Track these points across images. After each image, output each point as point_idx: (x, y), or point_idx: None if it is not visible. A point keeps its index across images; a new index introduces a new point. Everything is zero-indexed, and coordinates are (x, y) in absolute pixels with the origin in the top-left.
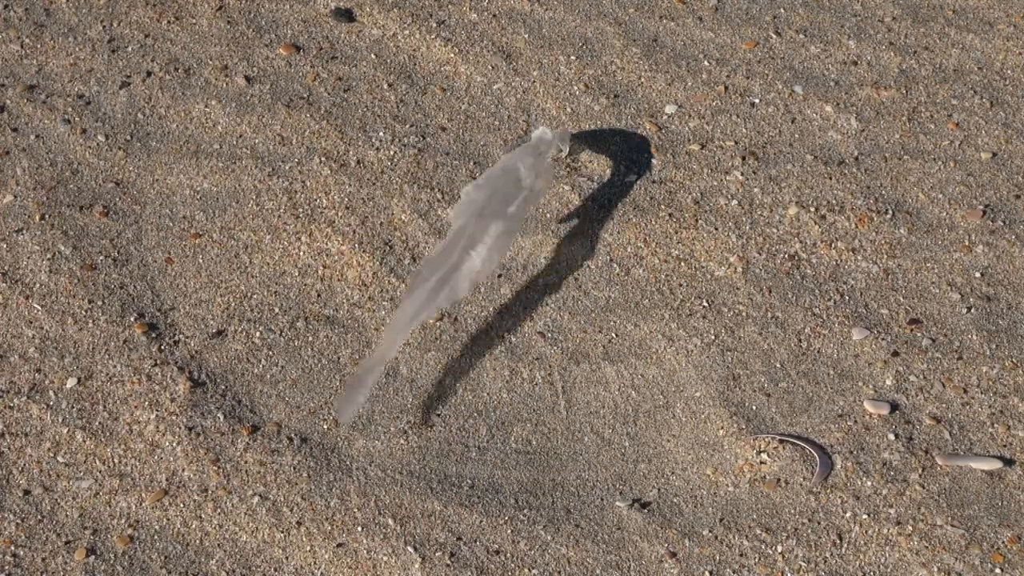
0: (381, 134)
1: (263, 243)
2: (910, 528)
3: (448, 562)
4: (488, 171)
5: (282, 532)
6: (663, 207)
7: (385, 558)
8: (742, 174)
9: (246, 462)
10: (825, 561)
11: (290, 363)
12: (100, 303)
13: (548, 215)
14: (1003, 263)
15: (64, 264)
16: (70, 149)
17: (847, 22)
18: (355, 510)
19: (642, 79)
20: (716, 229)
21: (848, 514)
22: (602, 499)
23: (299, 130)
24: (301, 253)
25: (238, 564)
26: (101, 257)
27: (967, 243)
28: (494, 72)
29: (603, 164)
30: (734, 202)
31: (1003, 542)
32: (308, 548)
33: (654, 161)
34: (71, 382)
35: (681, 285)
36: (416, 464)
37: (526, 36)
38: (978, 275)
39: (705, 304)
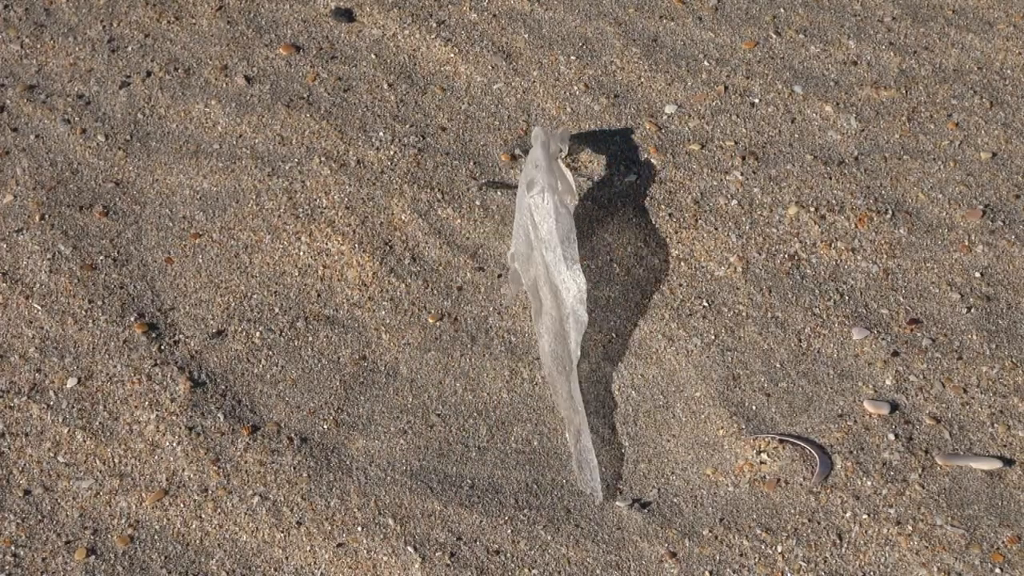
0: (381, 134)
1: (263, 243)
2: (910, 528)
3: (448, 562)
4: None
5: (282, 532)
6: (663, 207)
7: (385, 558)
8: (742, 174)
9: (246, 462)
10: (825, 561)
11: (290, 363)
12: (100, 303)
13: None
14: (1003, 263)
15: (64, 264)
16: (70, 149)
17: (847, 22)
18: (355, 510)
19: (642, 79)
20: (716, 229)
21: (848, 514)
22: (602, 499)
23: (299, 130)
24: (301, 253)
25: (238, 564)
26: (101, 257)
27: (967, 243)
28: (494, 72)
29: (603, 164)
30: (734, 202)
31: (1003, 542)
32: (308, 548)
33: (654, 161)
34: (71, 382)
35: (681, 285)
36: (416, 464)
37: (526, 36)
38: (978, 275)
39: (705, 304)
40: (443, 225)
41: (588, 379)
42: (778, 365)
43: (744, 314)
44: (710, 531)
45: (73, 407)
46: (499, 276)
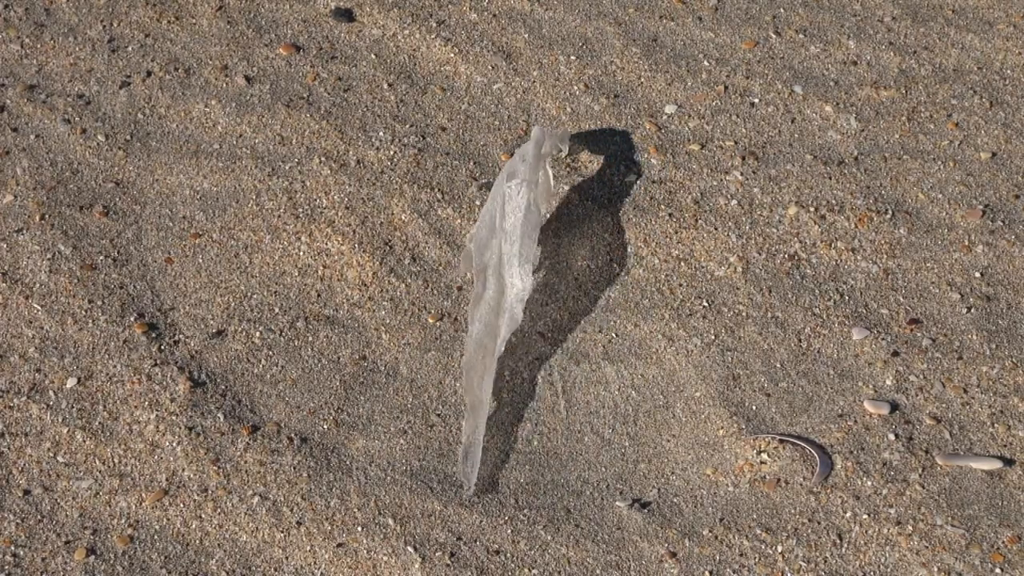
0: (381, 134)
1: (263, 243)
2: (910, 528)
3: (448, 562)
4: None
5: (282, 532)
6: (663, 207)
7: (385, 558)
8: (742, 174)
9: (246, 462)
10: (825, 561)
11: (290, 363)
12: (100, 303)
13: (548, 215)
14: (1003, 263)
15: (64, 264)
16: (70, 149)
17: (847, 22)
18: (355, 510)
19: (642, 79)
20: (716, 229)
21: (848, 514)
22: (602, 499)
23: (299, 130)
24: (301, 253)
25: (238, 564)
26: (101, 257)
27: (967, 243)
28: (494, 72)
29: (603, 164)
30: (734, 202)
31: (1003, 542)
32: (308, 548)
33: (654, 161)
34: (71, 382)
35: (681, 285)
36: (416, 464)
37: (526, 36)
38: (978, 275)
39: (705, 304)
40: (443, 225)
41: (588, 379)
42: (778, 365)
43: (744, 314)
44: (710, 531)
45: (73, 407)
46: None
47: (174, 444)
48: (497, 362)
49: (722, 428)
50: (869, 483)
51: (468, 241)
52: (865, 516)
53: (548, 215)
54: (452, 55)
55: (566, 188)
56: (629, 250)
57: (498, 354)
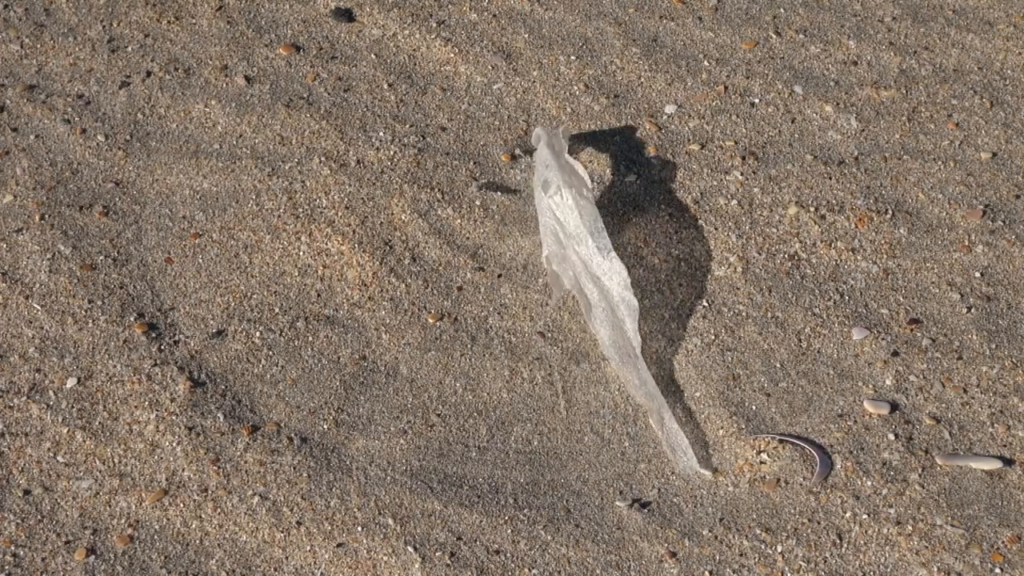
0: (381, 134)
1: (263, 243)
2: (910, 528)
3: (448, 562)
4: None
5: (282, 532)
6: (663, 207)
7: (385, 558)
8: (742, 174)
9: (246, 462)
10: (825, 561)
11: (290, 363)
12: (100, 303)
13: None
14: (1003, 263)
15: (64, 264)
16: (70, 149)
17: (847, 22)
18: (355, 510)
19: (642, 79)
20: (716, 229)
21: (848, 514)
22: (602, 499)
23: (299, 130)
24: (301, 253)
25: (238, 564)
26: (101, 257)
27: (967, 243)
28: (494, 72)
29: (603, 164)
30: (734, 202)
31: (1003, 542)
32: (308, 548)
33: (654, 161)
34: (71, 382)
35: (681, 285)
36: (416, 464)
37: (526, 36)
38: (978, 275)
39: (705, 304)
40: (443, 225)
41: (588, 379)
42: (778, 365)
43: (744, 314)
44: (710, 531)
45: (73, 407)
46: (499, 276)
47: (174, 444)
48: (642, 354)
49: (722, 428)
50: (869, 483)
51: (546, 264)
52: (865, 516)
53: (597, 197)
54: (452, 55)
55: None
56: (629, 250)
57: (638, 346)
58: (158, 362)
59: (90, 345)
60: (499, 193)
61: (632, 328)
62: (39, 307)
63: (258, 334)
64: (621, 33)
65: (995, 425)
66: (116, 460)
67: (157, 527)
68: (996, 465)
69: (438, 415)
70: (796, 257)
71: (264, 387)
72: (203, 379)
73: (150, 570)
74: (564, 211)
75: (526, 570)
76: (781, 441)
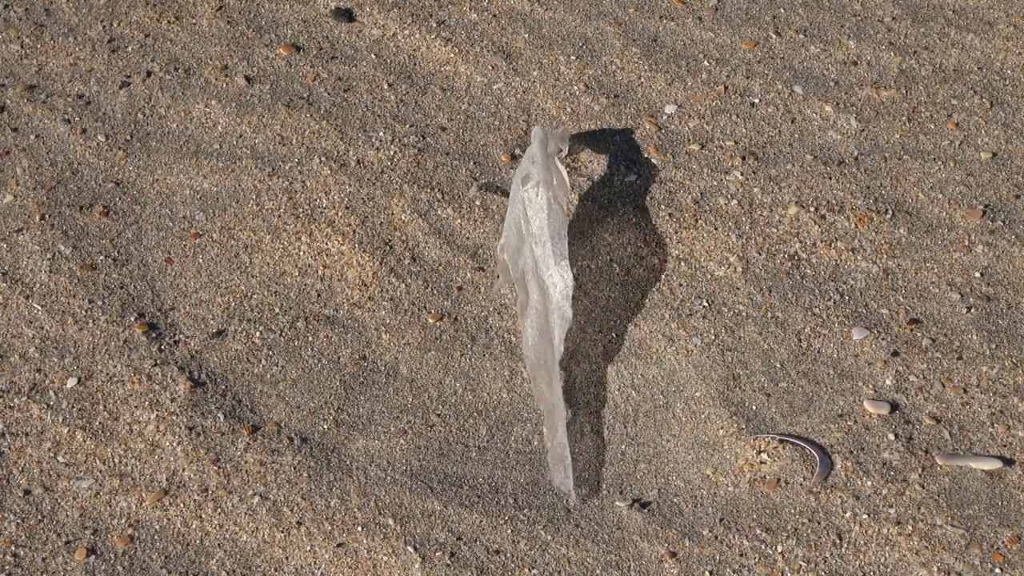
0: (381, 134)
1: (263, 243)
2: (910, 528)
3: (448, 562)
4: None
5: (282, 532)
6: (663, 207)
7: (385, 558)
8: (742, 174)
9: (246, 462)
10: (825, 561)
11: (290, 363)
12: (100, 303)
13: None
14: (1003, 263)
15: (64, 264)
16: (70, 149)
17: (847, 22)
18: (355, 510)
19: (642, 79)
20: (716, 229)
21: (848, 514)
22: (602, 499)
23: (299, 130)
24: (301, 253)
25: (238, 564)
26: (101, 257)
27: (967, 243)
28: (494, 72)
29: (603, 164)
30: (734, 202)
31: (1003, 542)
32: (308, 548)
33: (654, 161)
34: (71, 382)
35: (681, 285)
36: (416, 464)
37: (526, 36)
38: (978, 275)
39: (705, 304)
40: (443, 225)
41: (588, 379)
42: (778, 365)
43: (744, 314)
44: (710, 531)
45: (73, 407)
46: (499, 276)
47: (174, 444)
48: (559, 364)
49: (722, 428)
50: (869, 483)
51: (499, 252)
52: (865, 516)
53: (570, 211)
54: (452, 55)
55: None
56: (629, 250)
57: (558, 355)
58: (158, 362)
59: (90, 345)
60: (499, 193)
61: (559, 337)
62: (39, 307)
63: (258, 334)
64: (621, 33)
65: (995, 425)
66: (116, 460)
67: (157, 527)
68: (996, 465)
69: (438, 415)
70: (796, 257)
71: (264, 387)
72: (203, 379)
73: (150, 570)
74: (535, 208)
75: (526, 570)
76: (781, 441)
